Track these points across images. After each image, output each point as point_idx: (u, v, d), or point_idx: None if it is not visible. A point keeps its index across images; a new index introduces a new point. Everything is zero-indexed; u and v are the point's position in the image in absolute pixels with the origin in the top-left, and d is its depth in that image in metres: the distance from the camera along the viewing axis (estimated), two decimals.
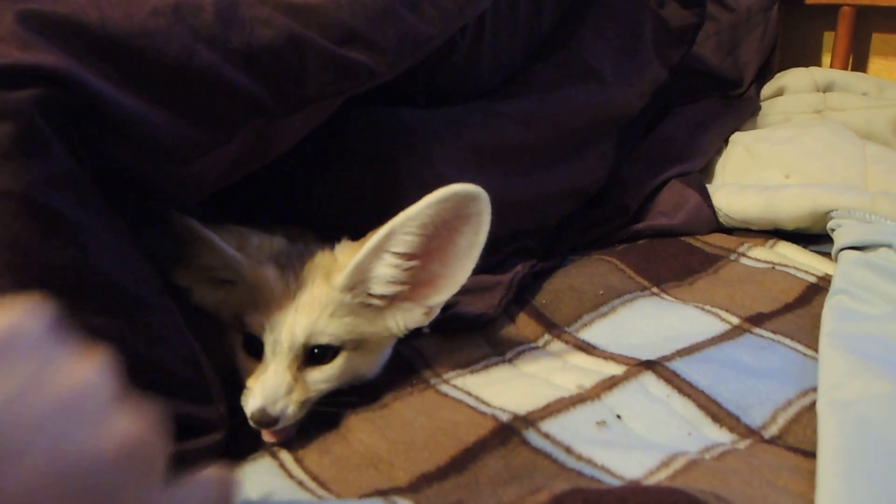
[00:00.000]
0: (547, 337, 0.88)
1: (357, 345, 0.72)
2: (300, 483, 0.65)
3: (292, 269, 0.71)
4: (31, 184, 0.54)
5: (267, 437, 0.69)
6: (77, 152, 0.58)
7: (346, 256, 0.72)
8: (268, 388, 0.68)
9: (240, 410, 0.69)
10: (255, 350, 0.71)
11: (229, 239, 0.71)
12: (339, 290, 0.71)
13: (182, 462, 0.63)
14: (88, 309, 0.58)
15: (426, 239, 0.70)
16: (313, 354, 0.71)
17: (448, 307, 0.86)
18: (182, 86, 0.63)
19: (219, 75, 0.65)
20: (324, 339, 0.70)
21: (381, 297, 0.72)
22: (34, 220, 0.55)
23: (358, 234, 0.86)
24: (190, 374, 0.65)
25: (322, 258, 0.73)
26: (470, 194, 0.68)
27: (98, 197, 0.60)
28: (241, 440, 0.70)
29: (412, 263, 0.71)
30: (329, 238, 0.79)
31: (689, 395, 0.74)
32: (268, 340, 0.70)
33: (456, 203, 0.68)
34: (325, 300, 0.70)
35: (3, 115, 0.53)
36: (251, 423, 0.68)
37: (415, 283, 0.73)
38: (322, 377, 0.71)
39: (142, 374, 0.61)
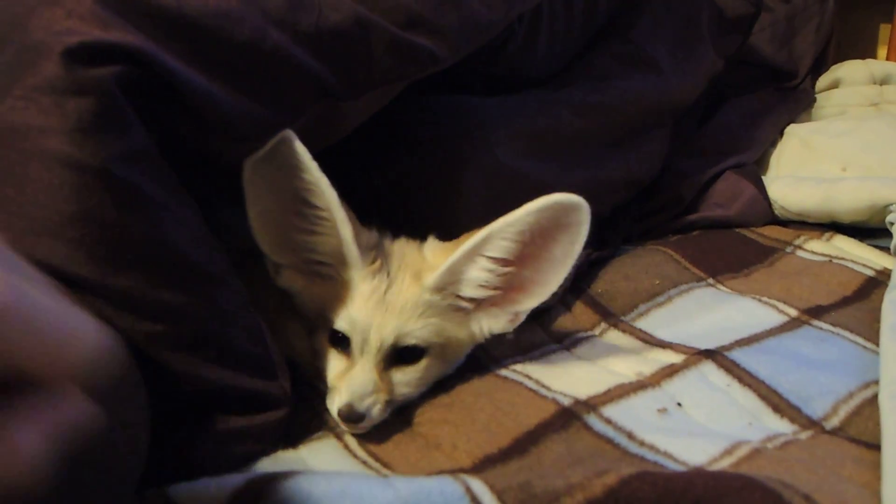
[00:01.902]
0: (603, 325, 0.88)
1: (441, 349, 0.72)
2: (364, 462, 0.66)
3: (385, 266, 0.71)
4: (109, 158, 0.55)
5: (348, 430, 0.69)
6: (153, 129, 0.59)
7: (437, 257, 0.72)
8: (355, 386, 0.68)
9: (305, 390, 0.70)
10: (341, 346, 0.71)
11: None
12: (430, 291, 0.70)
13: (248, 437, 0.65)
14: (161, 283, 0.58)
15: (522, 245, 0.70)
16: (399, 355, 0.71)
17: None
18: (253, 67, 0.64)
19: (288, 57, 0.66)
20: (411, 341, 0.70)
21: (470, 300, 0.72)
22: (111, 194, 0.55)
23: (417, 222, 0.87)
24: (256, 350, 0.66)
25: (411, 256, 0.73)
26: (572, 204, 0.67)
27: (172, 174, 0.61)
28: (306, 419, 0.71)
29: (507, 269, 0.71)
30: (391, 228, 0.80)
31: (749, 385, 0.74)
32: (356, 339, 0.69)
33: (556, 212, 0.68)
34: (415, 300, 0.70)
35: (85, 90, 0.54)
36: (337, 419, 0.68)
37: (505, 288, 0.72)
38: (406, 379, 0.71)
39: (210, 349, 0.62)
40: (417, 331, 0.70)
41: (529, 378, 0.75)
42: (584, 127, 1.01)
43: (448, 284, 0.71)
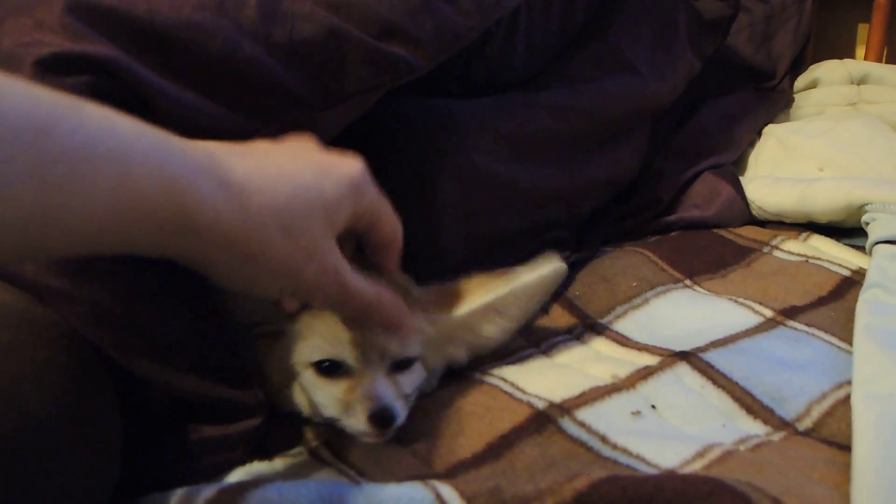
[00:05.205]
0: (580, 328, 0.89)
1: (424, 360, 0.74)
2: (338, 470, 0.66)
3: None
4: None
5: (378, 438, 0.68)
6: None
7: (433, 298, 0.74)
8: (380, 390, 0.67)
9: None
10: (332, 372, 0.69)
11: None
12: (434, 327, 0.73)
13: (221, 446, 0.65)
14: (131, 294, 0.59)
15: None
16: (398, 364, 0.70)
17: None
18: (225, 77, 0.64)
19: (260, 69, 0.66)
20: (412, 353, 0.71)
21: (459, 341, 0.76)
22: None
23: None
24: (229, 358, 0.66)
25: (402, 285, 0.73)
26: (563, 272, 0.75)
27: None
28: (283, 434, 0.71)
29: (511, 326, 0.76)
30: None
31: (723, 387, 0.75)
32: (353, 357, 0.68)
33: (556, 277, 0.74)
34: (417, 322, 0.71)
35: None
36: (368, 427, 0.66)
37: None
38: (409, 381, 0.71)
39: (183, 358, 0.62)
40: (415, 345, 0.71)
41: (505, 381, 0.75)
42: (561, 129, 1.02)
43: (456, 328, 0.74)
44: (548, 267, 0.72)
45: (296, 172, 0.55)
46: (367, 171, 0.61)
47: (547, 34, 1.08)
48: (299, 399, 0.71)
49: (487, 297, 0.72)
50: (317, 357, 0.68)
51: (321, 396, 0.69)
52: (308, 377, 0.69)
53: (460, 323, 0.74)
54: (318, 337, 0.68)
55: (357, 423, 0.67)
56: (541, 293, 0.74)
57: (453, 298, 0.74)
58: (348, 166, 0.59)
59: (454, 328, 0.74)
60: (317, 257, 0.55)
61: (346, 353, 0.68)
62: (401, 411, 0.67)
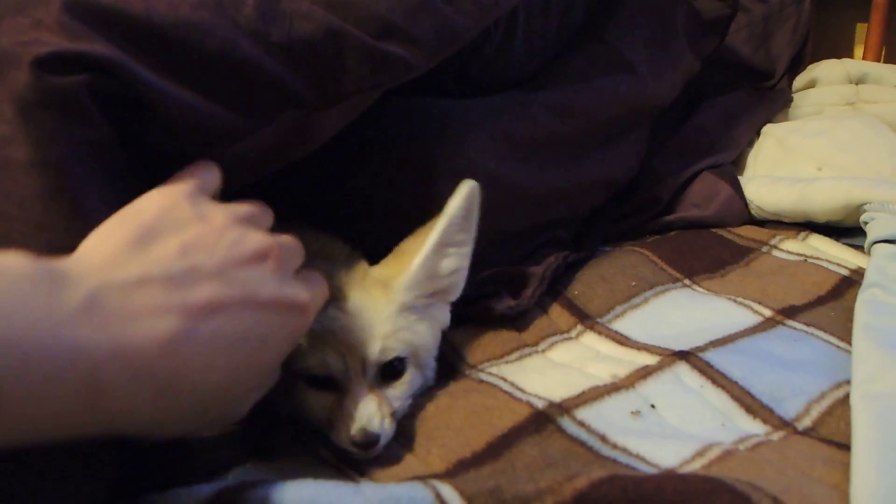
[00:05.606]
0: (580, 328, 0.89)
1: (415, 357, 0.72)
2: (337, 469, 0.66)
3: (343, 297, 0.70)
4: (79, 167, 0.56)
5: (362, 456, 0.67)
6: (122, 137, 0.60)
7: (391, 268, 0.73)
8: (362, 409, 0.66)
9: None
10: (320, 383, 0.69)
11: None
12: (405, 292, 0.71)
13: (220, 445, 0.65)
14: None
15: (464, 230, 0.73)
16: (385, 372, 0.70)
17: (481, 299, 0.87)
18: (223, 76, 0.64)
19: (258, 68, 0.66)
20: (396, 353, 0.69)
21: (431, 294, 0.74)
22: (79, 203, 0.56)
23: (390, 225, 0.87)
24: None
25: (362, 276, 0.73)
26: (479, 189, 0.73)
27: (141, 184, 0.61)
28: (283, 434, 0.71)
29: (466, 250, 0.75)
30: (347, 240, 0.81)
31: (722, 387, 0.75)
32: (338, 371, 0.68)
33: (476, 196, 0.73)
34: (389, 311, 0.70)
35: (54, 99, 0.55)
36: (354, 448, 0.66)
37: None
38: (397, 393, 0.70)
39: None
40: (397, 340, 0.70)
41: (504, 380, 0.75)
42: (559, 128, 1.02)
43: (421, 281, 0.72)
44: (464, 187, 0.72)
45: (230, 353, 0.51)
46: (308, 313, 0.58)
47: (545, 34, 1.08)
48: (295, 404, 0.70)
49: (435, 235, 0.71)
50: (304, 367, 0.68)
51: (309, 408, 0.69)
52: (300, 385, 0.69)
53: (425, 270, 0.72)
54: (305, 346, 0.68)
55: (341, 441, 0.67)
56: (472, 211, 0.73)
57: (404, 261, 0.73)
58: (292, 323, 0.56)
59: (422, 281, 0.72)
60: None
61: (333, 364, 0.67)
62: (384, 432, 0.66)
